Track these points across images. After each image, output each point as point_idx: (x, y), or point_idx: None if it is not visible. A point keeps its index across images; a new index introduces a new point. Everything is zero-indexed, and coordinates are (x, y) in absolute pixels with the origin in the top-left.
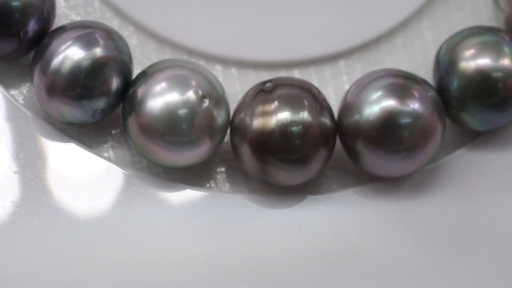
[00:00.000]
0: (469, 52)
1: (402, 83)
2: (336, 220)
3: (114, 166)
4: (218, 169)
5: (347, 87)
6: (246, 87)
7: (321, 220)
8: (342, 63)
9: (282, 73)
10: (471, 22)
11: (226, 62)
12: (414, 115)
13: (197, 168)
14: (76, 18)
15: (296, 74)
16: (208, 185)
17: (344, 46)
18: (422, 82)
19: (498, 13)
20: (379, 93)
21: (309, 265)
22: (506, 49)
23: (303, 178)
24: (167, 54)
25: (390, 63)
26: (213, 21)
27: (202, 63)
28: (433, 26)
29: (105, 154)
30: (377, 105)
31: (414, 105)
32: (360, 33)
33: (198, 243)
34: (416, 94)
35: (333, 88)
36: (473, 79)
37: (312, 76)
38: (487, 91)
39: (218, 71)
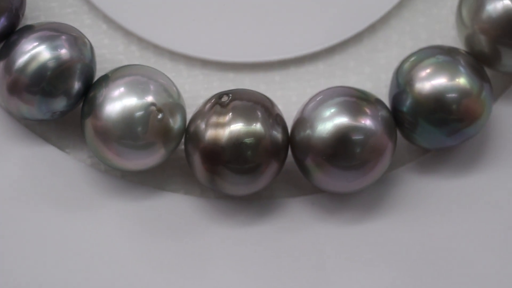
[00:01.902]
0: (424, 73)
1: (355, 101)
2: (280, 227)
3: (73, 162)
4: (174, 172)
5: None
6: (217, 87)
7: (267, 226)
8: (320, 64)
9: (261, 74)
10: (437, 36)
11: (191, 59)
12: (365, 132)
13: (154, 170)
14: (50, 12)
15: (276, 75)
16: (163, 187)
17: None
18: (375, 101)
19: (461, 29)
20: (332, 110)
21: (251, 269)
22: (462, 72)
23: (252, 189)
24: (150, 57)
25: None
26: (187, 21)
27: (180, 65)
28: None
29: (67, 150)
30: (330, 122)
31: (366, 123)
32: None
33: (146, 244)
34: (368, 112)
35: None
36: (426, 102)
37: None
38: (440, 114)
39: (183, 71)
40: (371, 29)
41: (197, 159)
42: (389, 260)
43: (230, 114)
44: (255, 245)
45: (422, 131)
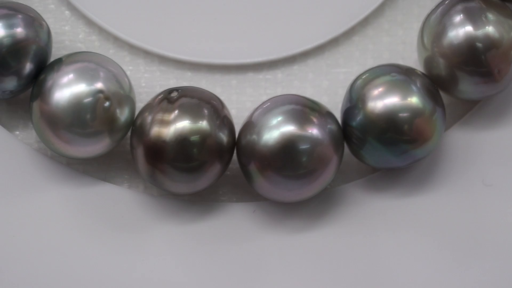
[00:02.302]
0: (376, 92)
1: (303, 110)
2: (218, 230)
3: (20, 144)
4: (120, 165)
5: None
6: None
7: (206, 228)
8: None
9: (218, 77)
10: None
11: (149, 55)
12: (310, 141)
13: (100, 161)
14: None
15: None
16: (108, 179)
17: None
18: (326, 113)
19: (421, 51)
20: (279, 118)
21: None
22: (414, 91)
23: (192, 188)
24: (109, 48)
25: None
26: (150, 16)
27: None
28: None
29: (16, 132)
30: (276, 130)
31: (312, 132)
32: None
33: (83, 233)
34: (315, 121)
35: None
36: (378, 121)
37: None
38: (390, 134)
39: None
40: (334, 43)
41: (140, 153)
42: (324, 271)
43: (176, 111)
44: (191, 246)
45: (370, 148)
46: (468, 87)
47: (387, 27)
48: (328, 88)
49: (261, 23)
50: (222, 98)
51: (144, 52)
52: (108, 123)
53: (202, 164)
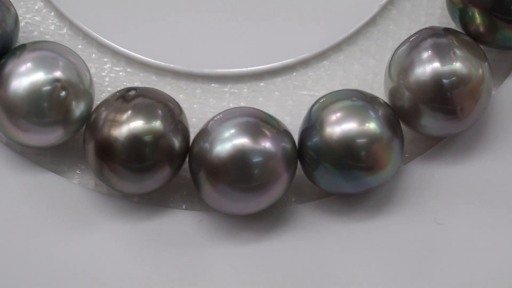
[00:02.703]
0: (334, 117)
1: (257, 124)
2: (161, 235)
3: None
4: (73, 160)
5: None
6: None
7: (149, 232)
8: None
9: (183, 84)
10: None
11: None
12: (262, 154)
13: (54, 153)
14: None
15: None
16: (59, 172)
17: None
18: (283, 131)
19: (387, 82)
20: (232, 131)
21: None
22: (372, 117)
23: (139, 189)
24: (78, 44)
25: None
26: (121, 16)
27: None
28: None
29: None
30: (229, 142)
31: (265, 145)
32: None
33: (29, 224)
34: (268, 135)
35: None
36: (332, 144)
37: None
38: (345, 160)
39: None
40: (304, 64)
41: (91, 148)
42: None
43: (130, 111)
44: (134, 246)
45: (323, 171)
46: (430, 122)
47: (359, 55)
48: (292, 109)
49: (232, 36)
50: (184, 105)
51: (112, 52)
52: (62, 113)
53: (152, 165)
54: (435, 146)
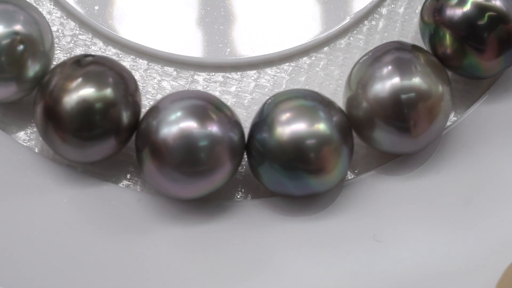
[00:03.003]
0: (284, 117)
1: (206, 108)
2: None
3: None
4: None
5: None
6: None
7: (80, 202)
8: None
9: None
10: None
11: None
12: (207, 138)
13: (7, 110)
14: None
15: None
16: (5, 129)
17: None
18: (233, 122)
19: (346, 89)
20: (179, 114)
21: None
22: (322, 118)
23: (81, 157)
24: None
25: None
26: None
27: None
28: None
29: None
30: (176, 125)
31: (212, 129)
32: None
33: None
34: (215, 119)
35: None
36: (282, 143)
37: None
38: (294, 162)
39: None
40: (268, 64)
41: (39, 110)
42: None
43: (81, 78)
44: (65, 215)
45: (268, 167)
46: (383, 136)
47: (324, 64)
48: (248, 106)
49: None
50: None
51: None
52: (17, 68)
53: (98, 135)
54: (386, 164)
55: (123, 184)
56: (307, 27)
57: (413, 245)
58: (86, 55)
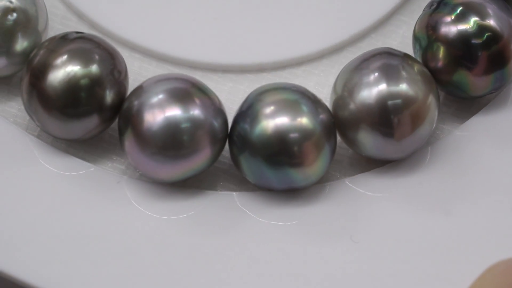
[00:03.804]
0: (268, 110)
1: (189, 91)
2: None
3: None
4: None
5: None
6: None
7: (59, 180)
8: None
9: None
10: None
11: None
12: (190, 120)
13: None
14: None
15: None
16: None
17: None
18: (217, 109)
19: (332, 94)
20: (161, 96)
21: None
22: (305, 111)
23: (66, 134)
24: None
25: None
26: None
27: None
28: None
29: None
30: (159, 109)
31: (194, 112)
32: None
33: None
34: (199, 103)
35: None
36: (267, 135)
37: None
38: (278, 156)
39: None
40: (260, 71)
41: (24, 83)
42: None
43: (66, 56)
44: (41, 190)
45: (249, 157)
46: (366, 139)
47: (317, 72)
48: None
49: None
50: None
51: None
52: (6, 39)
53: (82, 112)
54: (369, 171)
55: (105, 166)
56: (311, 36)
57: (390, 247)
58: (76, 32)
